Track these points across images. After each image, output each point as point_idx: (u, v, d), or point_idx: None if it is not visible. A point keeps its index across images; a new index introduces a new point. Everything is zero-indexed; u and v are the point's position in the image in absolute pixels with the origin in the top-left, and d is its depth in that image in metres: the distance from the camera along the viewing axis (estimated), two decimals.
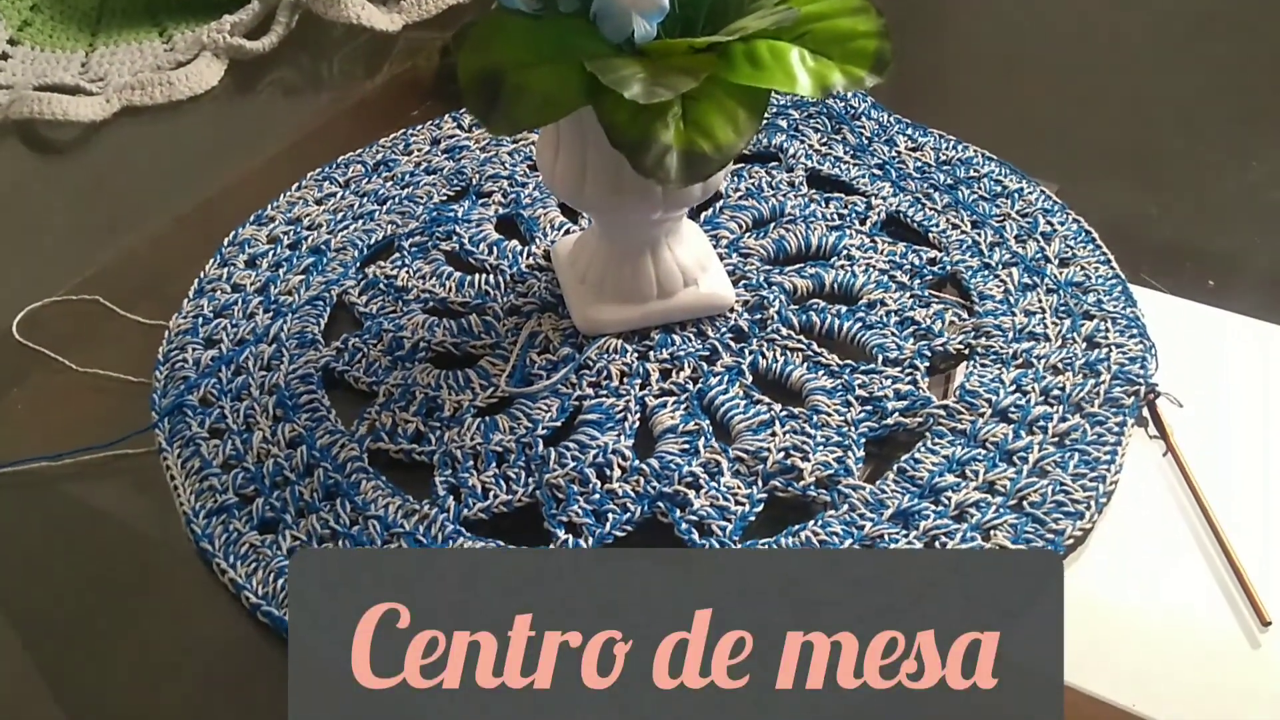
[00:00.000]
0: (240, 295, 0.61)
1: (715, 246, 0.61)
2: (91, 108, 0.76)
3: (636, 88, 0.44)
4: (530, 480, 0.51)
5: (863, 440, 0.52)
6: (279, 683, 0.42)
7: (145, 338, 0.60)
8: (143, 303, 0.62)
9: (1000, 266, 0.60)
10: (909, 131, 0.70)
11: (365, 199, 0.67)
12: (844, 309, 0.58)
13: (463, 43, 0.49)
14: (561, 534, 0.49)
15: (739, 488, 0.50)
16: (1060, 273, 0.60)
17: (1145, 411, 0.53)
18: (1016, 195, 0.65)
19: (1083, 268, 0.60)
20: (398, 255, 0.63)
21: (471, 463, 0.51)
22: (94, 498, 0.53)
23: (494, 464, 0.51)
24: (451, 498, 0.50)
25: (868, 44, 0.47)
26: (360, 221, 0.65)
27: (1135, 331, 0.56)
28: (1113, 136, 0.72)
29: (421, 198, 0.67)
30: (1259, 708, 0.44)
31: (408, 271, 0.62)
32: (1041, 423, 0.52)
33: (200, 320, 0.60)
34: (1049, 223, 0.63)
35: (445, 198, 0.67)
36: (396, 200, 0.67)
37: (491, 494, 0.50)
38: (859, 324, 0.57)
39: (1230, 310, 0.58)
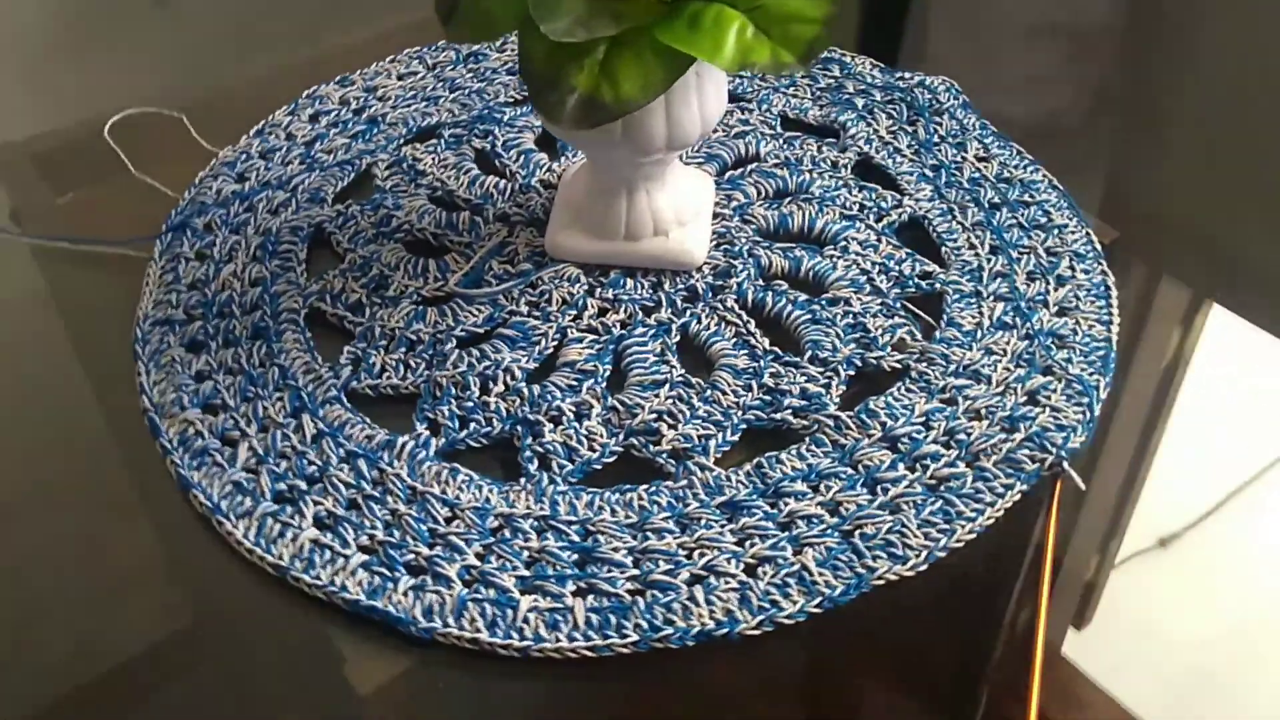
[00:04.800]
0: (290, 144, 0.67)
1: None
2: None
3: (560, 23, 0.45)
4: (425, 371, 0.54)
5: (742, 427, 0.51)
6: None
7: (205, 160, 0.67)
8: (223, 131, 0.69)
9: (990, 298, 0.57)
10: (987, 139, 0.66)
11: (441, 84, 0.71)
12: (802, 297, 0.57)
13: None
14: (422, 428, 0.51)
15: (600, 434, 0.51)
16: (1050, 321, 0.55)
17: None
18: (1056, 231, 0.60)
19: (1078, 321, 0.55)
20: (435, 141, 0.66)
21: (386, 342, 0.55)
22: (91, 284, 0.60)
23: (404, 348, 0.55)
24: (350, 367, 0.54)
25: (806, 30, 0.45)
26: (425, 104, 0.69)
27: (1084, 401, 0.52)
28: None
29: (490, 95, 0.70)
30: None
31: (434, 158, 0.65)
32: (926, 461, 0.50)
33: (244, 156, 0.66)
34: (1071, 267, 0.58)
35: (511, 100, 0.70)
36: (465, 92, 0.70)
37: (386, 374, 0.54)
38: (808, 316, 0.56)
39: None
